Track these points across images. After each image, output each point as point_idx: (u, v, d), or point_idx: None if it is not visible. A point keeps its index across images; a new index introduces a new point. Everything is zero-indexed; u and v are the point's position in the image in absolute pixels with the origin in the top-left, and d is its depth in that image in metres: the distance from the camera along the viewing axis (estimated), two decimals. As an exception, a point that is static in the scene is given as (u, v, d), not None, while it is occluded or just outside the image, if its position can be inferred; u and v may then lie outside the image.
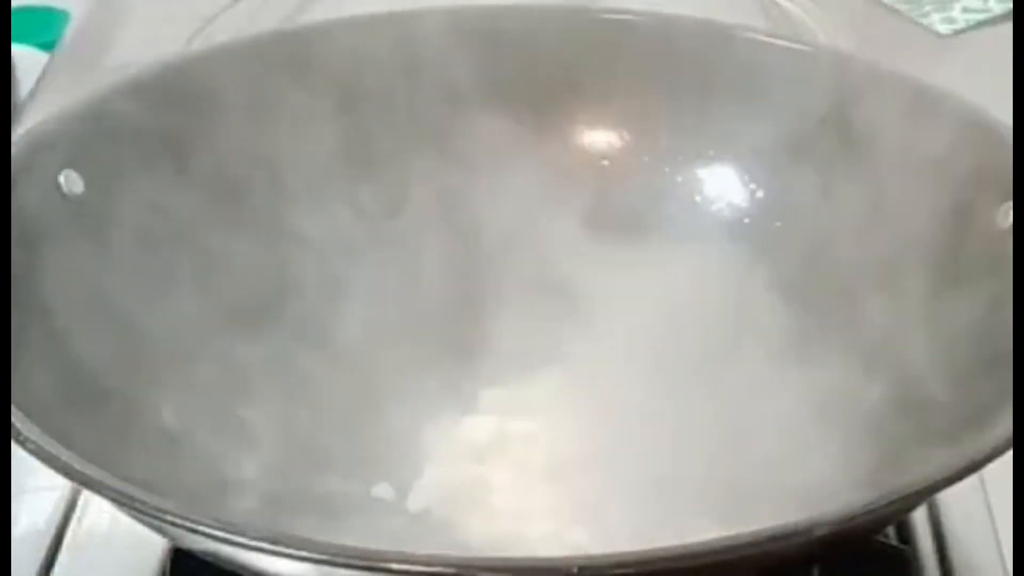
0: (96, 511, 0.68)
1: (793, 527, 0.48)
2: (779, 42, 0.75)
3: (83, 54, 0.95)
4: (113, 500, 0.52)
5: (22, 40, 0.98)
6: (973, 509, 0.67)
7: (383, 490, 0.66)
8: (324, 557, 0.48)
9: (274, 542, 0.48)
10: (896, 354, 0.64)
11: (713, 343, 0.70)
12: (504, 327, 0.71)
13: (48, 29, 1.01)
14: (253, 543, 0.48)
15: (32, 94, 0.92)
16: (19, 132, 0.69)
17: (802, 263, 0.70)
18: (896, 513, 0.60)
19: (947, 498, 0.66)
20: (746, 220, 0.74)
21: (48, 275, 0.63)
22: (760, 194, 0.74)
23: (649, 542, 0.49)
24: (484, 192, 0.75)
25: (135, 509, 0.51)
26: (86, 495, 0.68)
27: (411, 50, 0.75)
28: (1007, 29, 0.99)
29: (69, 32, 1.01)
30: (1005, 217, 0.64)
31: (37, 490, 0.69)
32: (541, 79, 0.76)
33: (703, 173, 0.75)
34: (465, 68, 0.75)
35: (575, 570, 0.47)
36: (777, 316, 0.68)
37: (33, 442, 0.53)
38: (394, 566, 0.47)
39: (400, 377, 0.70)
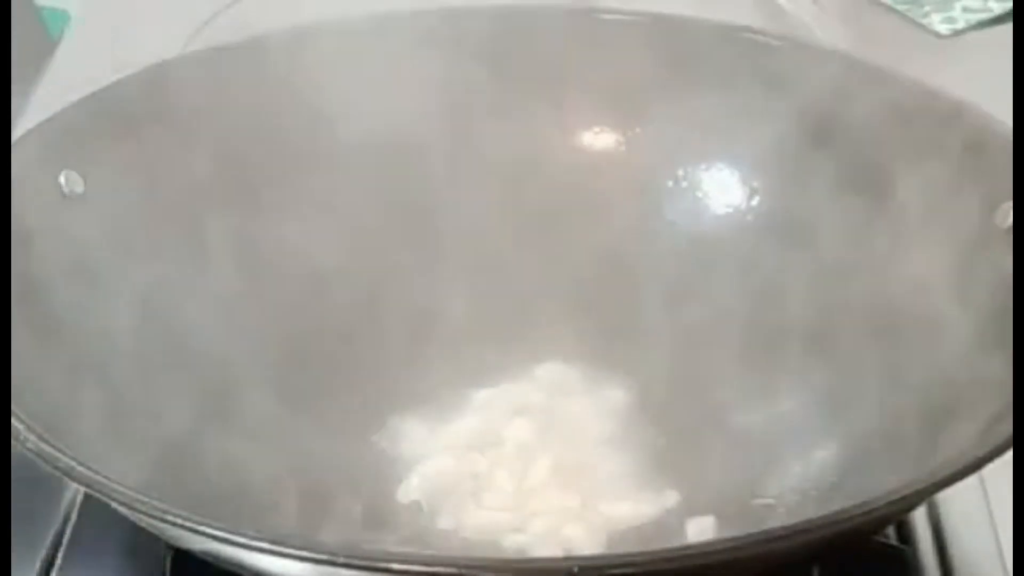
0: (96, 511, 0.68)
1: (793, 528, 0.48)
2: (778, 42, 0.75)
3: (83, 54, 0.95)
4: (113, 501, 0.52)
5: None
6: (973, 509, 0.67)
7: (374, 487, 0.66)
8: (324, 557, 0.48)
9: (274, 542, 0.48)
10: (896, 354, 0.64)
11: (711, 342, 0.70)
12: (498, 327, 0.72)
13: (48, 28, 1.01)
14: (253, 543, 0.48)
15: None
16: (19, 132, 0.69)
17: (800, 263, 0.70)
18: (896, 513, 0.60)
19: (947, 498, 0.66)
20: (747, 219, 0.74)
21: (48, 275, 0.63)
22: (760, 193, 0.74)
23: (647, 541, 0.49)
24: (483, 189, 0.75)
25: (135, 510, 0.51)
26: (86, 495, 0.68)
27: (407, 51, 0.75)
28: (1007, 29, 0.99)
29: (69, 32, 1.01)
30: (1005, 217, 0.64)
31: (38, 488, 0.69)
32: (541, 79, 0.76)
33: (703, 173, 0.75)
34: (466, 68, 0.75)
35: (575, 570, 0.47)
36: (778, 316, 0.69)
37: (33, 443, 0.53)
38: (395, 566, 0.47)
39: (391, 376, 0.70)
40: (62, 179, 0.67)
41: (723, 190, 0.75)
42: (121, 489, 0.51)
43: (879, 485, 0.52)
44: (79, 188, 0.67)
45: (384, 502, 0.66)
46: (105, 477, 0.52)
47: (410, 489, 0.66)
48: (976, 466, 0.51)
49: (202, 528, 0.49)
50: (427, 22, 0.76)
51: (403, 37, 0.75)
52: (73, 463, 0.52)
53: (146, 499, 0.51)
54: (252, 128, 0.73)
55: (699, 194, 0.75)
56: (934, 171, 0.67)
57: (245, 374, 0.67)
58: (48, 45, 0.94)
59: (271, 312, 0.70)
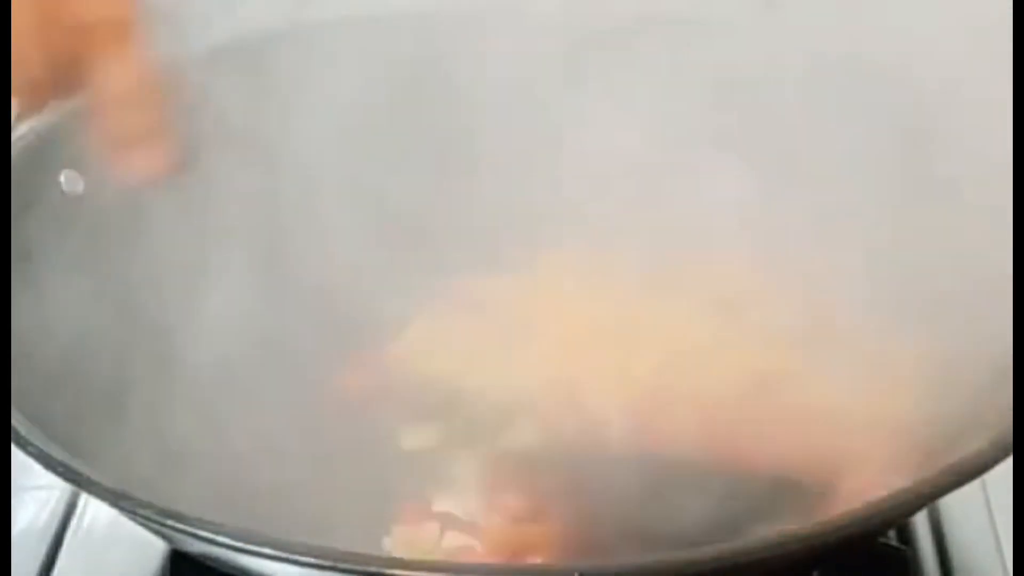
0: (96, 511, 0.68)
1: (794, 534, 0.48)
2: (777, 42, 0.75)
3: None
4: (114, 504, 0.52)
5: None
6: (973, 509, 0.67)
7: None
8: (325, 562, 0.48)
9: (274, 547, 0.48)
10: (897, 355, 0.64)
11: (709, 341, 0.70)
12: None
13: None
14: (251, 548, 0.49)
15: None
16: (19, 132, 0.69)
17: (799, 264, 0.70)
18: (897, 519, 0.60)
19: (947, 499, 0.66)
20: (748, 218, 0.74)
21: (48, 275, 0.63)
22: (761, 192, 0.74)
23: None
24: (483, 183, 0.75)
25: (135, 514, 0.51)
26: (86, 495, 0.68)
27: (407, 50, 0.75)
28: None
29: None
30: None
31: (37, 490, 0.69)
32: (540, 79, 0.76)
33: (704, 173, 0.75)
34: (466, 67, 0.75)
35: (576, 575, 0.47)
36: (778, 318, 0.69)
37: (34, 446, 0.53)
38: (394, 572, 0.47)
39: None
40: (62, 179, 0.67)
41: (723, 188, 0.75)
42: (122, 493, 0.51)
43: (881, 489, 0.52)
44: (79, 188, 0.67)
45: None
46: (106, 481, 0.52)
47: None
48: (977, 472, 0.51)
49: (201, 533, 0.49)
50: (418, 22, 0.76)
51: (396, 36, 0.75)
52: (75, 467, 0.52)
53: (146, 504, 0.51)
54: (252, 127, 0.73)
55: (699, 193, 0.75)
56: (934, 170, 0.67)
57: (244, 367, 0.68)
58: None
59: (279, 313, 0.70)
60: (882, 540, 0.64)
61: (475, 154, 0.74)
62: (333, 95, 0.72)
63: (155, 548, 0.64)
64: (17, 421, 0.54)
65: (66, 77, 0.64)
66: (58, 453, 0.53)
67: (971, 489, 0.65)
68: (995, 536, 0.67)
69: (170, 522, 0.50)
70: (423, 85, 0.76)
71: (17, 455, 0.54)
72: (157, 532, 0.55)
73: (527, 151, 0.75)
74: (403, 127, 0.75)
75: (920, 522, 0.67)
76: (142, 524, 0.54)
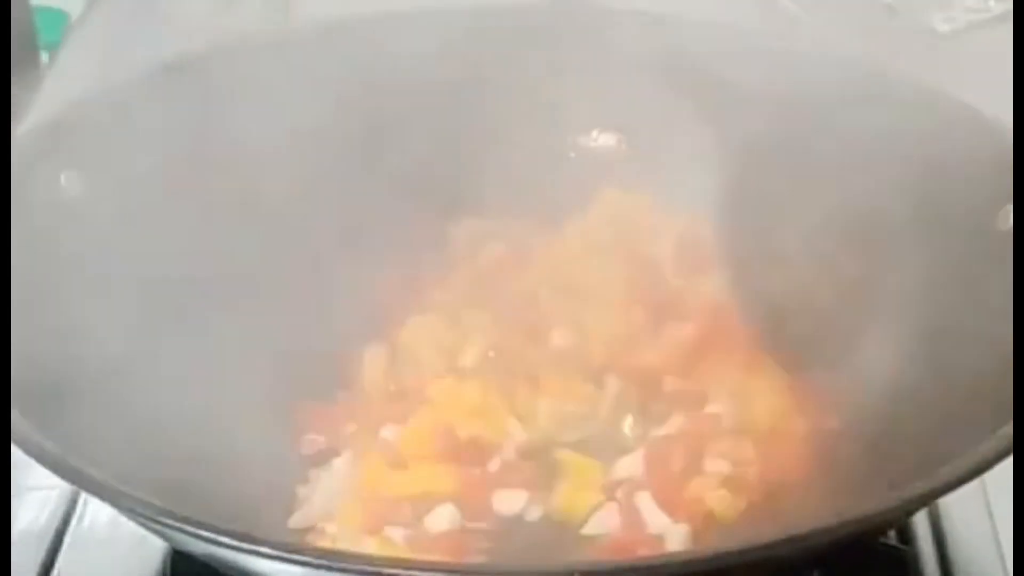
0: (96, 511, 0.68)
1: (794, 535, 0.48)
2: (778, 43, 0.75)
3: (83, 54, 0.95)
4: (114, 504, 0.52)
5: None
6: (973, 510, 0.67)
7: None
8: (324, 563, 0.48)
9: (271, 547, 0.48)
10: (896, 359, 0.64)
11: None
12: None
13: (48, 29, 1.01)
14: (251, 548, 0.49)
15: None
16: (20, 132, 0.69)
17: (799, 264, 0.70)
18: (897, 519, 0.60)
19: (947, 499, 0.66)
20: (745, 218, 0.74)
21: (48, 275, 0.63)
22: (758, 194, 0.74)
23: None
24: (481, 185, 0.75)
25: (135, 513, 0.51)
26: (86, 495, 0.68)
27: (408, 49, 0.75)
28: (1007, 29, 0.99)
29: (69, 32, 1.01)
30: (1005, 220, 0.64)
31: (37, 490, 0.69)
32: (540, 79, 0.76)
33: (701, 174, 0.75)
34: (465, 66, 0.75)
35: (576, 575, 0.47)
36: (774, 321, 0.69)
37: (34, 445, 0.53)
38: (394, 571, 0.47)
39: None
40: (62, 179, 0.67)
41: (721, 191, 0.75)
42: (125, 493, 0.51)
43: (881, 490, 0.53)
44: (79, 188, 0.67)
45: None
46: (108, 482, 0.52)
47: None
48: (978, 471, 0.51)
49: (202, 533, 0.49)
50: (421, 22, 0.76)
51: (398, 36, 0.75)
52: (77, 468, 0.52)
53: (147, 503, 0.51)
54: (252, 127, 0.73)
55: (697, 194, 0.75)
56: (933, 172, 0.67)
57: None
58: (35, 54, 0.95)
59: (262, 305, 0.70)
60: (882, 540, 0.64)
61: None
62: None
63: (155, 548, 0.64)
64: (19, 422, 0.54)
65: None
66: (58, 452, 0.53)
67: (971, 489, 0.66)
68: (995, 536, 0.67)
69: (170, 522, 0.50)
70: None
71: (17, 455, 0.54)
72: (157, 532, 0.55)
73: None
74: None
75: (920, 522, 0.67)
76: (142, 524, 0.54)
